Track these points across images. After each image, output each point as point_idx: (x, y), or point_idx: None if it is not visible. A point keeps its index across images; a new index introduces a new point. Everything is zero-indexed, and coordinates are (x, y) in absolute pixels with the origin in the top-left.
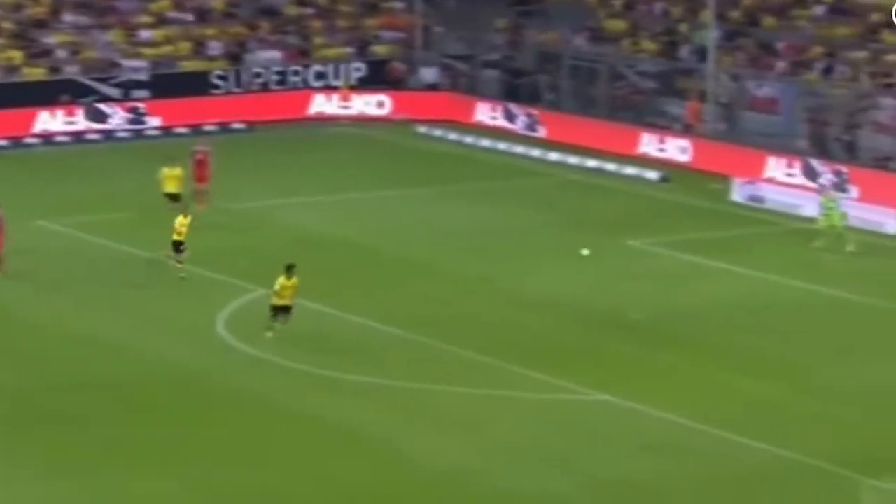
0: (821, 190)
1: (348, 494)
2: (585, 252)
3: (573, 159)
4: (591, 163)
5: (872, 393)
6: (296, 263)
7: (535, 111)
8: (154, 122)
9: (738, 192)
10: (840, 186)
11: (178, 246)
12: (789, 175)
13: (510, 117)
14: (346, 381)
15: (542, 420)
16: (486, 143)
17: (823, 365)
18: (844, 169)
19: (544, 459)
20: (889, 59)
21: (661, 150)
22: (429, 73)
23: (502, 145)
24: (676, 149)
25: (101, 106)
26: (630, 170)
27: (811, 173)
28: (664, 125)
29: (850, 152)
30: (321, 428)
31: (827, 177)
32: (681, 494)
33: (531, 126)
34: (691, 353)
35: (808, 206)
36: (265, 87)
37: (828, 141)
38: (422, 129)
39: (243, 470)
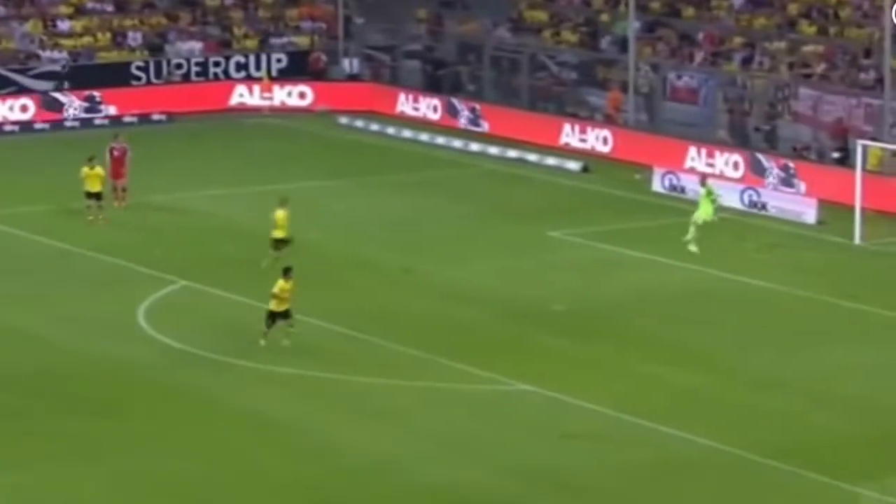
0: (703, 180)
1: (274, 485)
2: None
3: (494, 150)
4: (513, 153)
5: (792, 382)
6: (292, 266)
7: (457, 102)
8: (74, 112)
9: (659, 182)
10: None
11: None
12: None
13: (432, 108)
14: (270, 372)
15: (466, 410)
16: (407, 133)
17: (745, 354)
18: (791, 164)
19: (468, 449)
20: (807, 49)
21: (583, 140)
22: (350, 64)
23: (424, 136)
24: (597, 139)
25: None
26: (551, 160)
27: (759, 168)
28: (585, 116)
29: (770, 142)
30: (246, 419)
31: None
32: (601, 483)
33: (453, 117)
34: (614, 343)
35: (728, 196)
36: (186, 78)
37: (748, 131)
38: (343, 119)
39: (168, 460)
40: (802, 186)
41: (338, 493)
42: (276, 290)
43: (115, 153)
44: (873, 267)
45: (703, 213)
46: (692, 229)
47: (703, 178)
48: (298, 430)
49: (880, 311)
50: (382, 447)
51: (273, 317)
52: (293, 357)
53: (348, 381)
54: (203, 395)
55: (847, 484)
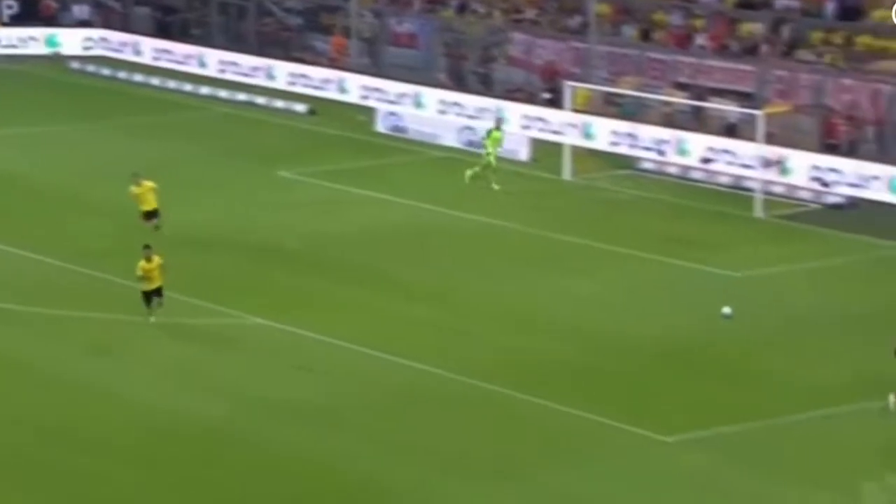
0: (498, 125)
1: (12, 420)
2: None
3: (224, 93)
4: (242, 96)
5: (506, 310)
6: (151, 245)
7: (186, 47)
8: None
9: (382, 123)
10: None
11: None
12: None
13: (162, 53)
14: (15, 312)
15: (202, 344)
16: (139, 77)
17: (468, 287)
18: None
19: (205, 380)
20: None
21: (308, 83)
22: (81, 11)
23: (155, 80)
24: (323, 82)
25: None
26: (279, 103)
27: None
28: (311, 60)
29: (486, 84)
30: None
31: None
32: (335, 411)
33: (184, 61)
34: (344, 277)
35: (447, 136)
36: None
37: (465, 74)
38: (75, 64)
39: None
40: (517, 125)
41: (81, 423)
42: (138, 272)
43: None
44: (581, 200)
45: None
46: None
47: (499, 122)
48: (40, 368)
49: (589, 242)
50: (122, 380)
51: (148, 296)
52: (36, 296)
53: (92, 319)
54: None
55: (555, 404)
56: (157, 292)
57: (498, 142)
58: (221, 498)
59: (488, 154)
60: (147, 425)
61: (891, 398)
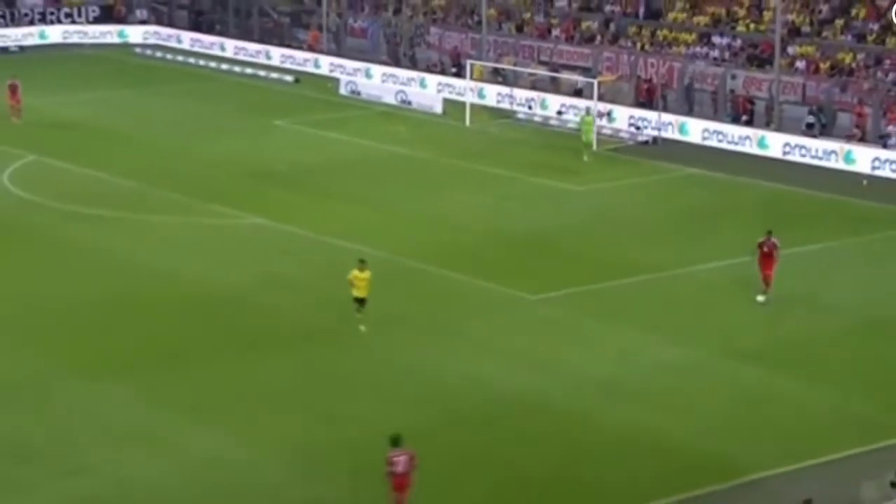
0: (587, 111)
1: (84, 296)
2: (761, 299)
3: (237, 68)
4: (249, 70)
5: (425, 214)
6: (366, 259)
7: (212, 37)
8: None
9: (344, 88)
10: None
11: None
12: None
13: (196, 42)
14: (92, 215)
15: (219, 234)
16: (180, 58)
17: (400, 198)
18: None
19: (220, 258)
20: (435, 3)
21: (294, 62)
22: (141, 13)
23: (191, 60)
24: (304, 61)
25: None
26: (274, 74)
27: (407, 79)
28: (297, 46)
29: (413, 63)
30: (74, 247)
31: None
32: (306, 281)
33: (210, 47)
34: (315, 191)
35: (387, 97)
36: (31, 23)
37: (399, 55)
38: (137, 49)
39: (20, 280)
40: (433, 89)
41: (139, 293)
42: (349, 277)
43: (12, 84)
44: (476, 140)
45: (589, 134)
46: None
47: (588, 110)
48: (105, 251)
49: (481, 167)
50: (169, 261)
51: (358, 301)
52: (99, 204)
53: (145, 220)
54: (43, 232)
55: (455, 274)
56: (362, 301)
57: (590, 125)
58: (240, 337)
59: (587, 133)
60: (187, 291)
61: (759, 297)
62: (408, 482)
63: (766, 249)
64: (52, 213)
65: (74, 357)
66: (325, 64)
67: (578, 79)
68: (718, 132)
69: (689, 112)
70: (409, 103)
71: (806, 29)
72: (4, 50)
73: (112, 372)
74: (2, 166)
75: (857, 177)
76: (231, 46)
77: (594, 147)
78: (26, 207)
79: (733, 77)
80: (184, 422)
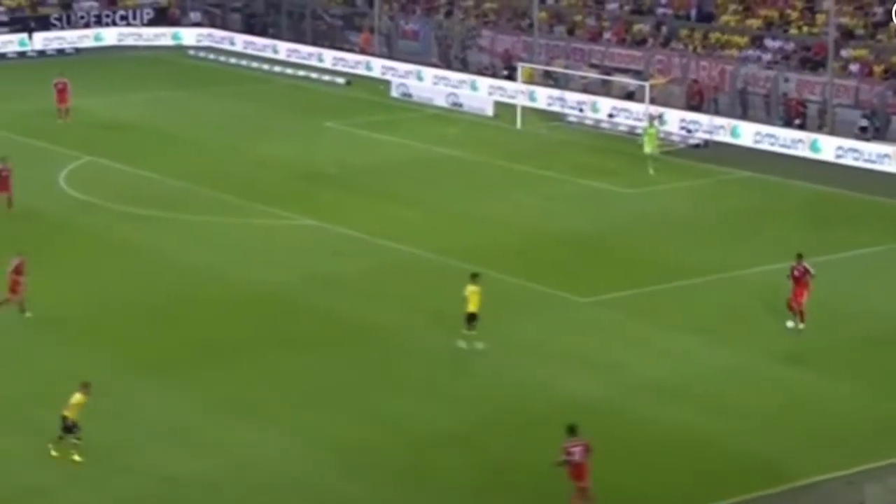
0: (651, 120)
1: (152, 289)
2: (790, 325)
3: (289, 70)
4: (301, 73)
5: (481, 214)
6: (479, 273)
7: (264, 40)
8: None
9: (395, 90)
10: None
11: (471, 317)
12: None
13: (249, 44)
14: (145, 216)
15: (270, 235)
16: (233, 60)
17: (451, 200)
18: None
19: (273, 260)
20: (487, 6)
21: (346, 64)
22: (195, 16)
23: (244, 62)
24: (356, 64)
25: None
26: (326, 77)
27: (459, 81)
28: (348, 48)
29: (464, 65)
30: (128, 247)
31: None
32: (355, 281)
33: (263, 50)
34: (365, 192)
35: (438, 99)
36: (87, 25)
37: (450, 58)
38: (191, 52)
39: (75, 279)
40: (485, 92)
41: (180, 290)
42: (465, 293)
43: (59, 85)
44: (528, 143)
45: (650, 145)
46: (649, 161)
47: (652, 118)
48: (158, 251)
49: (532, 169)
50: (215, 258)
51: (469, 318)
52: (163, 206)
53: (198, 221)
54: (98, 231)
55: (506, 276)
56: (473, 317)
57: (654, 137)
58: (291, 336)
59: (648, 145)
60: (239, 291)
61: (788, 323)
62: (586, 470)
63: (796, 274)
64: (106, 214)
65: (127, 355)
66: (377, 66)
67: (630, 81)
68: (771, 135)
69: (743, 115)
70: (461, 106)
71: (860, 32)
72: (61, 52)
73: (163, 370)
74: (58, 167)
75: None
76: (283, 49)
77: (655, 156)
78: (82, 208)
79: (786, 80)
80: (233, 420)
